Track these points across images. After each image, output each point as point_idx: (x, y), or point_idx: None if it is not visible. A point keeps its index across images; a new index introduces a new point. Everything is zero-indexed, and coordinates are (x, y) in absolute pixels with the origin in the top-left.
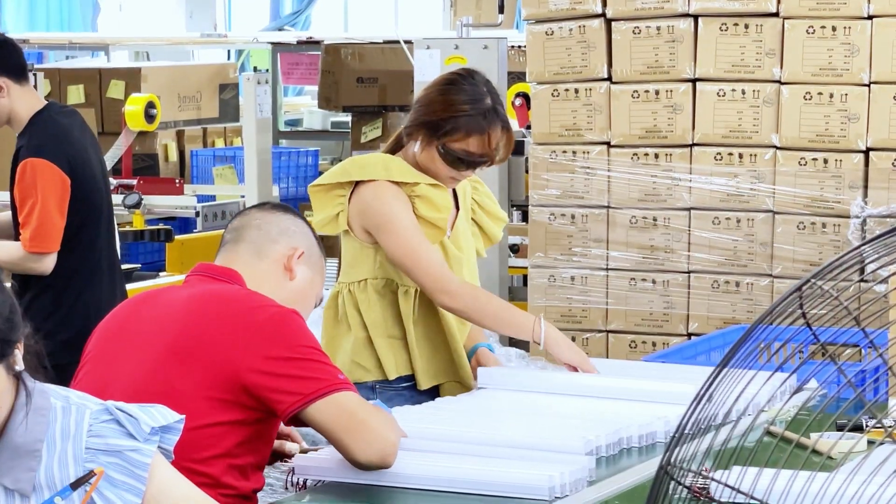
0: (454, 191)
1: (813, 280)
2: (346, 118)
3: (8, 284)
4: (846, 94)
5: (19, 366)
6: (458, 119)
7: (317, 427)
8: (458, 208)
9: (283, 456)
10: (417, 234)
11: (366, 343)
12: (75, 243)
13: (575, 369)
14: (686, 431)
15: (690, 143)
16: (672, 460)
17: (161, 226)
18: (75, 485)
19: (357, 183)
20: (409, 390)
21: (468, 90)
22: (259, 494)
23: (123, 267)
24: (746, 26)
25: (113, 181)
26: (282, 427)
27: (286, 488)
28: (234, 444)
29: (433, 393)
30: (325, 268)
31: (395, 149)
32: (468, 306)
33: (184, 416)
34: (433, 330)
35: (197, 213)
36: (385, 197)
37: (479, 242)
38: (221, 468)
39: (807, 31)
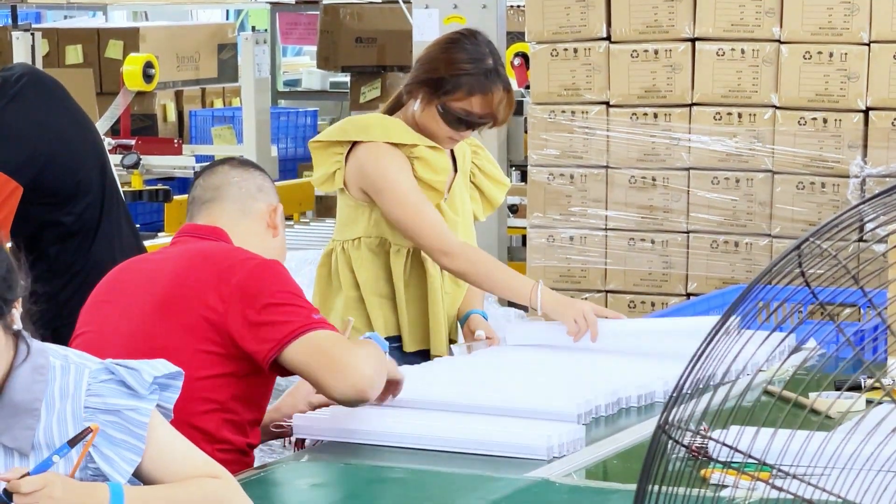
0: (453, 153)
1: (812, 239)
2: (345, 78)
3: (8, 245)
4: (846, 54)
5: (17, 325)
6: (459, 78)
7: (295, 370)
8: (455, 171)
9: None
10: (418, 194)
11: (357, 302)
12: (65, 214)
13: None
14: (684, 391)
15: (689, 102)
16: (670, 420)
17: (160, 186)
18: (72, 442)
19: (355, 143)
20: (397, 351)
21: (470, 49)
22: (258, 454)
23: None
24: None
25: (111, 141)
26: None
27: (284, 447)
28: (229, 397)
29: (420, 357)
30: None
31: (394, 108)
32: (467, 268)
33: (183, 371)
34: (422, 292)
35: (196, 174)
36: (384, 159)
37: (477, 206)
38: (217, 422)
39: None
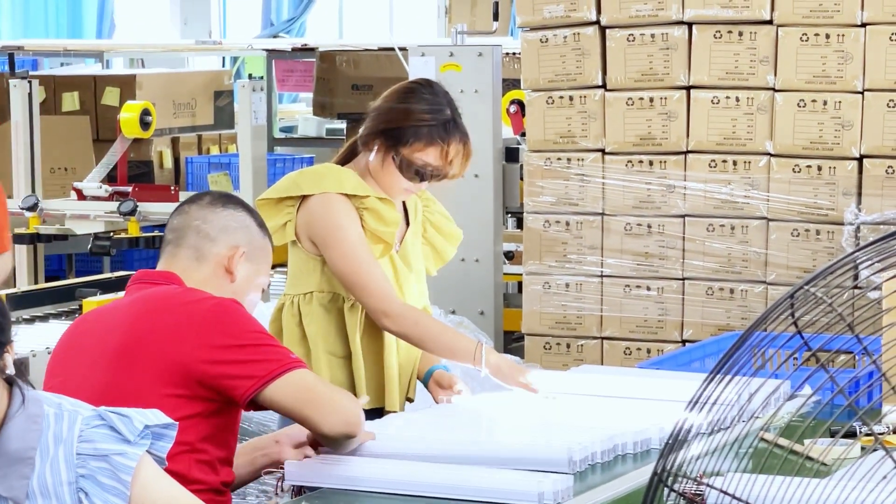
0: (405, 207)
1: (806, 287)
2: (341, 125)
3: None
4: (840, 102)
5: (10, 369)
6: (419, 128)
7: (278, 408)
8: (408, 224)
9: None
10: (364, 250)
11: (302, 359)
12: None
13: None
14: (680, 438)
15: (685, 150)
16: (666, 467)
17: (156, 233)
18: None
19: (305, 195)
20: None
21: (429, 99)
22: (252, 501)
23: (118, 274)
24: (740, 34)
25: (108, 188)
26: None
27: (277, 493)
28: (198, 438)
29: (374, 414)
30: (271, 251)
31: (347, 159)
32: (409, 330)
33: (176, 423)
34: (377, 348)
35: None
36: (333, 210)
37: (429, 261)
38: (188, 463)
39: (800, 38)
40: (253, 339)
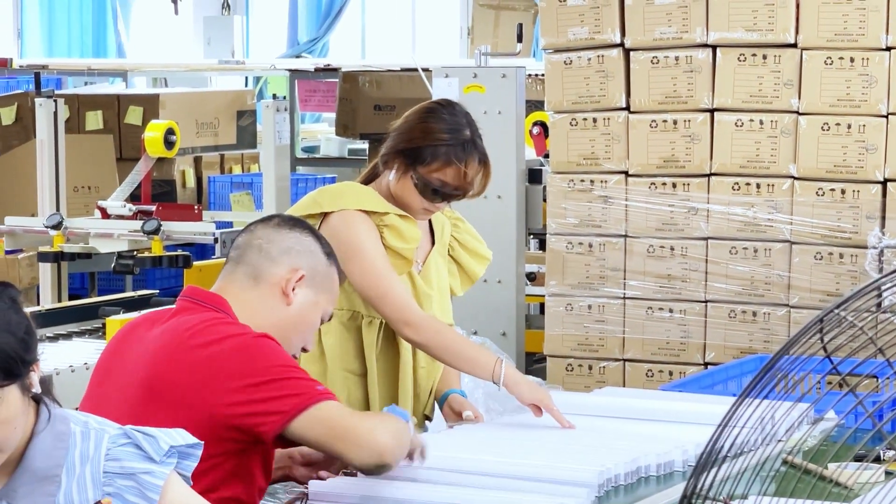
0: (431, 226)
1: (836, 311)
2: (363, 145)
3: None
4: (864, 125)
5: (36, 388)
6: (437, 148)
7: (306, 442)
8: (433, 244)
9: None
10: (385, 264)
11: (316, 377)
12: None
13: (540, 410)
14: (709, 460)
15: (708, 172)
16: (697, 489)
17: (179, 252)
18: None
19: (326, 213)
20: None
21: (448, 119)
22: None
23: (141, 292)
24: (765, 57)
25: (132, 207)
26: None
27: None
28: (219, 478)
29: None
30: (337, 282)
31: (370, 178)
32: (430, 340)
33: (202, 442)
34: (393, 366)
35: (216, 240)
36: (353, 226)
37: (455, 281)
38: (216, 501)
39: (825, 61)
40: (276, 373)
